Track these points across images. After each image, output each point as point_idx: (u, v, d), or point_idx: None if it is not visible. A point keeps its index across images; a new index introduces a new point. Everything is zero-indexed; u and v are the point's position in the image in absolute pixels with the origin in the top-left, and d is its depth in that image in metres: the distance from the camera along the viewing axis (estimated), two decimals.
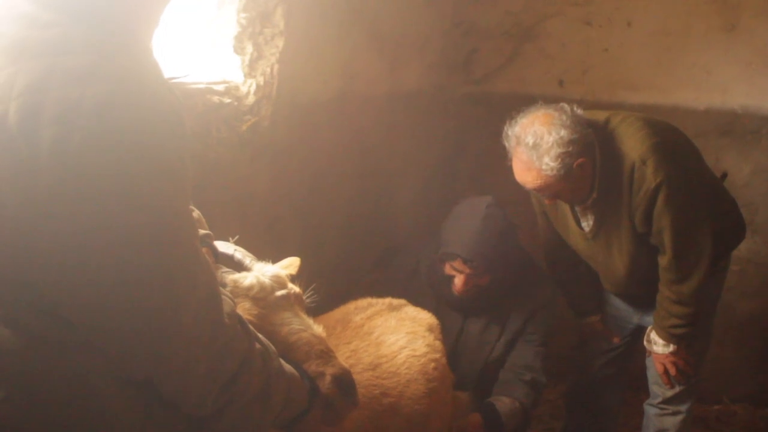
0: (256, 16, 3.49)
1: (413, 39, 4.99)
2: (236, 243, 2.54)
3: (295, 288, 2.41)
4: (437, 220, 4.03)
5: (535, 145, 3.46)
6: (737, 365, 5.63)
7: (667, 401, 4.14)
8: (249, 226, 3.54)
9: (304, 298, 2.46)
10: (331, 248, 4.36)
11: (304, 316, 2.37)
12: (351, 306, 3.50)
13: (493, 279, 3.86)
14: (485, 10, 5.58)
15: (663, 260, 3.71)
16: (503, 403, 3.83)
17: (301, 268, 2.69)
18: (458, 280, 3.84)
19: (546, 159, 3.44)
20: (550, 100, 3.68)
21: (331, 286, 4.10)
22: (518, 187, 3.66)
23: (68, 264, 1.59)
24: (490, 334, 4.00)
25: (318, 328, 2.35)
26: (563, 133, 3.45)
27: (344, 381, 2.26)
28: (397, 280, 4.07)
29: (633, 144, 3.57)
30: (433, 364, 3.23)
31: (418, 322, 3.45)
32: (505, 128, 3.63)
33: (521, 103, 3.69)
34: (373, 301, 3.55)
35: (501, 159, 3.66)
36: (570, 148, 3.45)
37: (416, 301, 3.69)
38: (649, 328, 3.99)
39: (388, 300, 3.57)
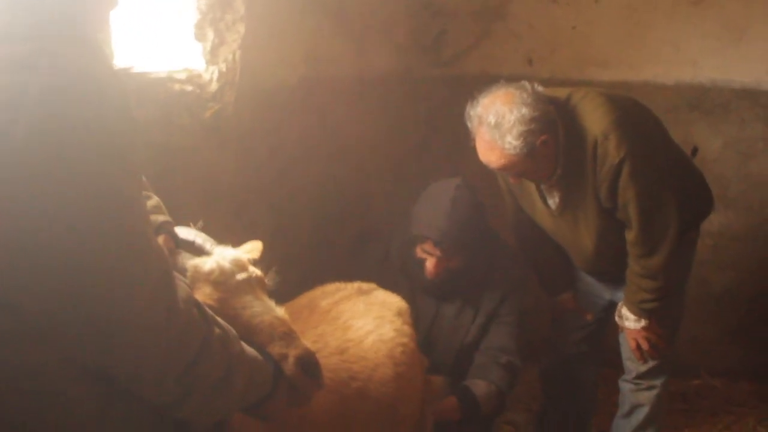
0: (217, 2, 3.47)
1: (381, 21, 4.97)
2: (202, 229, 2.52)
3: (256, 271, 2.39)
4: (410, 203, 4.01)
5: (497, 124, 3.45)
6: (714, 339, 5.65)
7: (641, 376, 4.15)
8: (216, 213, 3.52)
9: (265, 281, 2.44)
10: (302, 234, 4.34)
11: (266, 299, 2.35)
12: (318, 291, 3.49)
13: (464, 261, 3.85)
14: None
15: (630, 235, 3.71)
16: (479, 386, 3.83)
17: (272, 255, 2.67)
18: (429, 263, 3.83)
19: (509, 138, 3.43)
20: (520, 79, 3.67)
21: (302, 271, 4.11)
22: (486, 167, 3.65)
23: (16, 250, 1.57)
24: (464, 317, 3.99)
25: (280, 311, 2.33)
26: (524, 111, 3.44)
27: (308, 362, 2.25)
28: (369, 265, 4.06)
29: (595, 119, 3.56)
30: (400, 348, 3.22)
31: (386, 306, 3.43)
32: (467, 109, 3.62)
33: (491, 83, 3.68)
34: (342, 285, 3.54)
35: (470, 140, 3.65)
36: (532, 126, 3.44)
37: (389, 286, 3.67)
38: (620, 303, 3.99)
39: (357, 284, 3.56)
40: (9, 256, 1.58)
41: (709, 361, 5.69)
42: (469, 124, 3.60)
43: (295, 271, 4.11)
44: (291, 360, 2.22)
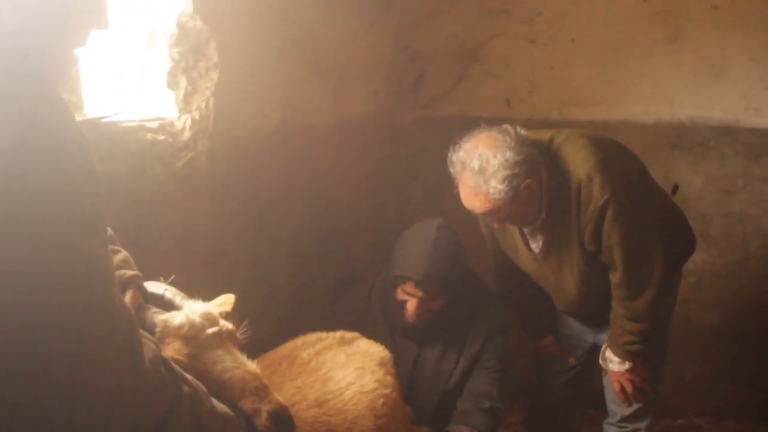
0: (189, 50, 3.44)
1: (358, 66, 4.96)
2: (174, 283, 2.48)
3: (227, 324, 2.35)
4: (388, 247, 3.97)
5: (481, 169, 3.42)
6: (699, 378, 5.62)
7: (626, 419, 4.10)
8: (192, 265, 3.47)
9: (237, 334, 2.40)
10: (281, 283, 4.29)
11: (238, 353, 2.31)
12: (299, 341, 3.43)
13: (445, 302, 3.81)
14: (429, 34, 5.56)
15: (615, 277, 3.68)
16: None
17: (249, 304, 2.63)
18: (411, 305, 3.78)
19: (493, 182, 3.40)
20: (499, 121, 3.66)
21: (282, 319, 4.06)
22: (470, 212, 3.61)
23: None
24: (447, 361, 3.94)
25: (252, 365, 2.29)
26: (508, 155, 3.41)
27: (281, 417, 2.21)
28: (350, 312, 4.00)
29: (578, 162, 3.54)
30: (382, 400, 3.16)
31: (369, 356, 3.38)
32: (449, 154, 3.59)
33: (470, 125, 3.67)
34: (323, 335, 3.48)
35: (450, 183, 3.63)
36: (516, 170, 3.41)
37: (370, 332, 3.63)
38: (604, 346, 3.95)
39: (339, 333, 3.51)
40: None
41: (695, 401, 5.65)
42: (451, 170, 3.58)
43: (274, 319, 4.07)
44: (263, 415, 2.18)
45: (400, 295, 3.81)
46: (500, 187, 3.40)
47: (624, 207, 3.51)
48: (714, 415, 5.64)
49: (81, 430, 1.64)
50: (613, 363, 3.89)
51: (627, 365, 3.85)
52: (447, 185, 3.65)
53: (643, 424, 4.11)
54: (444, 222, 3.84)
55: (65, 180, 1.59)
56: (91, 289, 1.63)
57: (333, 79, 4.65)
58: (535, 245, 3.81)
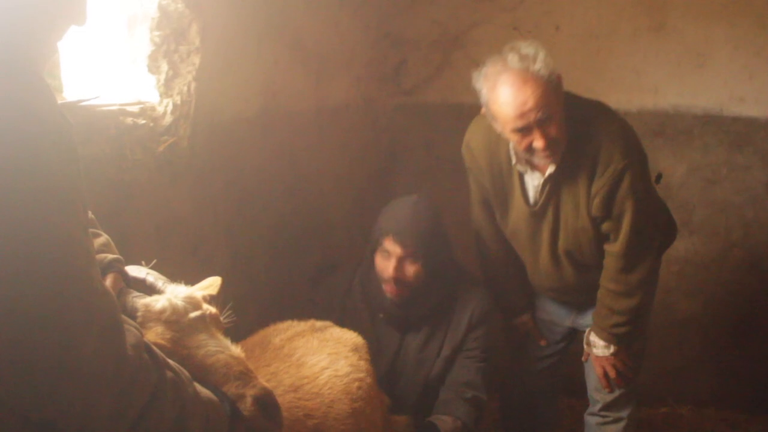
0: (171, 34, 3.39)
1: (339, 52, 4.92)
2: (156, 267, 2.44)
3: (210, 308, 2.32)
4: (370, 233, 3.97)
5: (523, 56, 3.42)
6: (681, 366, 5.63)
7: (608, 407, 4.09)
8: (172, 250, 3.44)
9: (221, 318, 2.36)
10: (262, 269, 4.26)
11: (221, 337, 2.28)
12: (271, 329, 3.41)
13: (425, 271, 3.79)
14: (412, 20, 5.55)
15: (614, 247, 3.68)
16: (445, 422, 3.76)
17: (229, 290, 2.59)
18: (390, 265, 3.77)
19: (538, 63, 3.41)
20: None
21: (261, 306, 4.03)
22: (452, 195, 3.60)
23: None
24: (429, 350, 3.92)
25: (236, 349, 2.26)
26: (537, 43, 3.49)
27: (266, 402, 2.19)
28: (330, 298, 4.00)
29: (602, 122, 3.58)
30: (357, 383, 3.13)
31: (342, 342, 3.35)
32: (475, 80, 3.59)
33: (451, 112, 3.64)
34: (294, 323, 3.46)
35: (434, 170, 3.60)
36: (549, 58, 3.46)
37: (350, 319, 3.64)
38: (588, 330, 3.95)
39: (311, 322, 3.48)
40: None
41: (676, 389, 5.66)
42: (484, 89, 3.54)
43: (254, 306, 4.03)
44: (249, 400, 2.16)
45: (380, 261, 3.80)
46: (545, 63, 3.42)
47: (639, 176, 3.56)
48: (695, 403, 5.65)
49: (62, 418, 1.62)
50: (598, 347, 3.89)
51: (612, 349, 3.86)
52: (428, 172, 3.62)
53: (625, 413, 4.11)
54: (425, 194, 3.93)
55: (46, 163, 1.57)
56: (71, 273, 1.60)
57: (315, 64, 4.62)
58: (534, 197, 3.78)
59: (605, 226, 3.66)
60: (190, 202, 3.59)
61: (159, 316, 2.19)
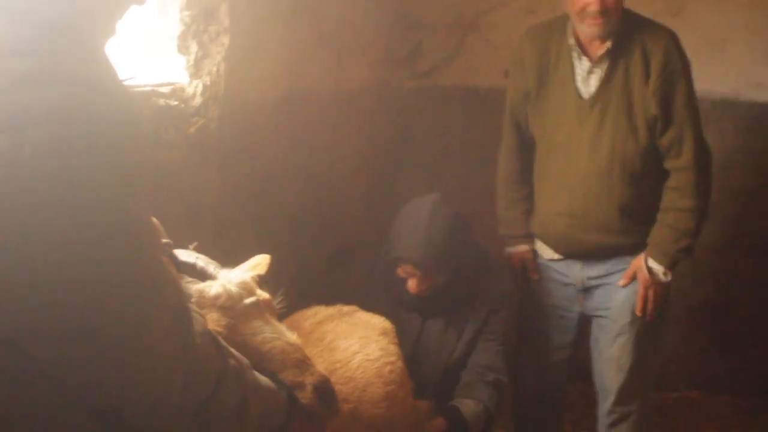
0: (200, 13, 3.36)
1: (358, 34, 4.89)
2: (196, 251, 2.41)
3: (264, 294, 2.30)
4: (386, 216, 3.93)
5: None
6: (693, 352, 5.60)
7: (618, 398, 4.05)
8: (199, 232, 3.38)
9: (274, 303, 2.34)
10: (283, 252, 4.23)
11: (276, 323, 2.27)
12: (298, 314, 3.37)
13: (447, 277, 3.73)
14: (429, 3, 5.51)
15: (680, 161, 3.77)
16: (467, 406, 3.71)
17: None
18: (412, 283, 3.71)
19: None
20: (496, 92, 3.64)
21: (286, 290, 4.00)
22: (468, 179, 3.57)
23: (22, 285, 1.44)
24: (451, 334, 3.88)
25: (292, 336, 2.24)
26: None
27: (325, 390, 2.20)
28: (354, 283, 3.96)
29: (658, 26, 3.83)
30: (389, 367, 3.13)
31: (370, 326, 3.33)
32: None
33: (467, 95, 3.62)
34: (322, 308, 3.43)
35: (448, 152, 3.57)
36: None
37: (372, 303, 3.58)
38: (642, 258, 3.90)
39: (337, 307, 3.45)
40: (15, 292, 1.44)
41: (688, 375, 5.65)
42: None
43: (280, 289, 4.00)
44: (308, 388, 2.15)
45: (401, 273, 3.76)
46: None
47: (692, 85, 3.79)
48: (707, 389, 5.65)
49: (129, 407, 1.60)
50: (659, 274, 3.87)
51: (669, 276, 3.87)
52: (442, 154, 3.59)
53: (633, 406, 4.07)
54: (440, 197, 3.76)
55: (111, 141, 1.53)
56: (143, 256, 1.58)
57: (335, 46, 4.60)
58: (587, 90, 3.80)
59: (666, 138, 3.73)
60: (218, 184, 3.57)
61: (213, 303, 2.18)
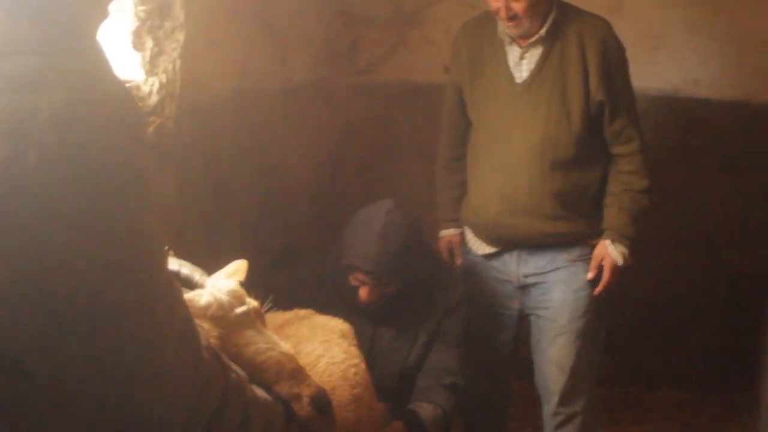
0: (155, 9, 3.23)
1: (300, 29, 4.84)
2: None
3: (253, 302, 2.21)
4: (330, 216, 3.86)
5: None
6: (633, 346, 5.65)
7: (562, 402, 4.06)
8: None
9: (262, 312, 2.26)
10: (234, 256, 4.14)
11: (268, 333, 2.20)
12: None
13: (399, 285, 3.70)
14: None
15: (629, 147, 3.91)
16: (425, 410, 3.67)
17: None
18: (363, 291, 3.67)
19: None
20: (436, 87, 3.64)
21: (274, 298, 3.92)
22: (410, 174, 3.54)
23: (27, 301, 1.33)
24: (404, 339, 3.85)
25: (285, 346, 2.17)
26: None
27: (322, 401, 2.13)
28: (302, 288, 3.87)
29: (592, 15, 3.94)
30: (353, 370, 3.08)
31: (330, 329, 3.27)
32: None
33: (406, 91, 3.60)
34: (279, 312, 3.34)
35: (390, 149, 3.54)
36: None
37: (325, 307, 3.50)
38: (606, 242, 3.98)
39: (294, 311, 3.38)
40: (19, 306, 1.34)
41: (628, 369, 5.70)
42: None
43: None
44: (305, 400, 2.08)
45: (353, 281, 3.70)
46: None
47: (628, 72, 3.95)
48: (648, 383, 5.72)
49: (136, 426, 1.49)
50: (622, 257, 3.98)
51: (629, 258, 3.99)
52: (382, 152, 3.55)
53: (580, 405, 4.08)
54: (394, 203, 3.71)
55: (119, 147, 1.43)
56: (152, 266, 1.50)
57: (281, 42, 4.55)
58: (520, 75, 3.85)
59: (616, 125, 3.85)
60: (174, 187, 3.45)
61: (204, 312, 2.09)
